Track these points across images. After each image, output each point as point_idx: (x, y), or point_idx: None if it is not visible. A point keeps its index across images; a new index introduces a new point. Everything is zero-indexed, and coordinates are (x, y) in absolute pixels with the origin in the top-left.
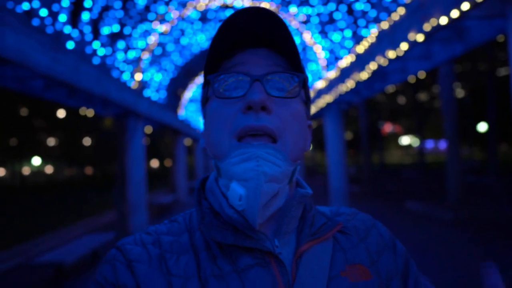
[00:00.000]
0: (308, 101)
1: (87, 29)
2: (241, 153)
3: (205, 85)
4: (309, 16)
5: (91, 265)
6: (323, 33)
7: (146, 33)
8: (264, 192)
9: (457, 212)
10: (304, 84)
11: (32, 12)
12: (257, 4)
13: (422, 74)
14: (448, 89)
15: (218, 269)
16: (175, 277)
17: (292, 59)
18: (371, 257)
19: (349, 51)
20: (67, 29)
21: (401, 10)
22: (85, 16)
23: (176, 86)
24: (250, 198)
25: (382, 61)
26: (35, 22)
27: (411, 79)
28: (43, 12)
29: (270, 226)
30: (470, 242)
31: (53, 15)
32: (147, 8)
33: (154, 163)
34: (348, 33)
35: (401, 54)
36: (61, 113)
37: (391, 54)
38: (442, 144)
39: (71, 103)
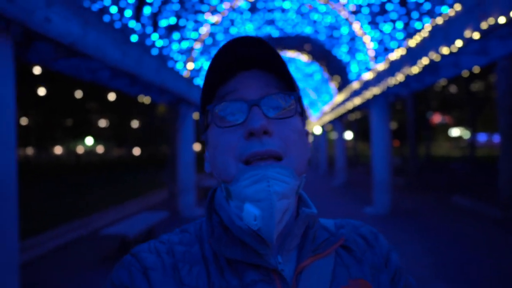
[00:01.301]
0: (303, 112)
1: (148, 23)
2: (251, 175)
3: (203, 113)
4: (359, 6)
5: (148, 240)
6: (373, 24)
7: (199, 24)
8: (277, 210)
9: (508, 211)
10: (298, 99)
11: (104, 9)
12: None
13: (477, 69)
14: (505, 80)
15: (225, 282)
16: (187, 287)
17: (283, 77)
18: (372, 273)
19: (400, 43)
20: (132, 23)
21: (457, 6)
22: (147, 10)
23: None
24: (266, 217)
25: (435, 56)
26: (106, 18)
27: (465, 72)
28: (113, 9)
29: (275, 243)
30: None
31: (121, 11)
32: (201, 0)
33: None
34: (399, 24)
35: (455, 50)
36: (111, 96)
37: (445, 50)
38: (497, 138)
39: (132, 91)
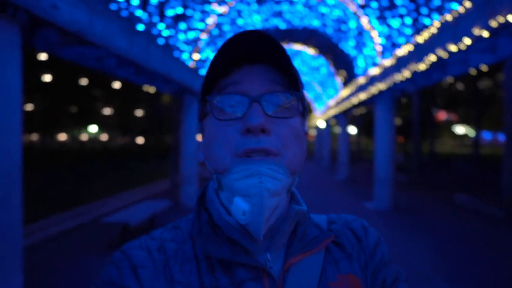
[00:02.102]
0: (304, 111)
1: (155, 12)
2: (244, 169)
3: (202, 101)
4: (368, 0)
5: (150, 228)
6: (382, 19)
7: (206, 14)
8: (267, 206)
9: (510, 210)
10: (300, 99)
11: None
12: None
13: (485, 67)
14: None
15: (216, 281)
16: (179, 284)
17: (288, 74)
18: (361, 268)
19: (408, 39)
20: (139, 12)
21: (467, 4)
22: None
23: None
24: (255, 213)
25: (442, 53)
26: (113, 7)
27: (473, 70)
28: None
29: (264, 240)
30: None
31: (127, 0)
32: None
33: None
34: (408, 20)
35: (463, 48)
36: (117, 84)
37: (453, 47)
38: (502, 137)
39: (138, 81)
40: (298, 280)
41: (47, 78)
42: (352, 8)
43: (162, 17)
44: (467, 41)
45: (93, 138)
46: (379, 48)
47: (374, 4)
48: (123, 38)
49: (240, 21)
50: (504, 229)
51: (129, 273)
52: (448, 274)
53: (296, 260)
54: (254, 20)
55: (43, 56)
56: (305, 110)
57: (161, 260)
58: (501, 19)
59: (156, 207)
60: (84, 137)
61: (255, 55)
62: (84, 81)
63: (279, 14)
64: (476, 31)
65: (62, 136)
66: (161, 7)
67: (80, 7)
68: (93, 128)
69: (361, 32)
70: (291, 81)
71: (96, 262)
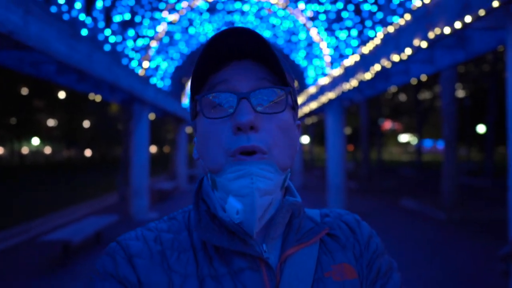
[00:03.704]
0: (295, 105)
1: (100, 17)
2: (236, 170)
3: (193, 100)
4: (316, 13)
5: (95, 245)
6: (330, 31)
7: (156, 22)
8: (259, 206)
9: (450, 212)
10: (290, 93)
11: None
12: None
13: (424, 77)
14: (449, 90)
15: (213, 270)
16: (176, 273)
17: (276, 70)
18: (356, 258)
19: (354, 50)
20: (82, 17)
21: (407, 16)
22: (99, 3)
23: (181, 74)
24: (247, 212)
25: (386, 63)
26: (53, 9)
27: (414, 80)
28: (61, 0)
29: (259, 231)
30: (459, 242)
31: (69, 2)
32: None
33: (153, 149)
34: (354, 32)
35: (405, 58)
36: (61, 94)
37: (395, 57)
38: (441, 144)
39: (80, 88)
40: (295, 271)
41: None
42: (302, 20)
43: (109, 22)
44: (408, 51)
45: (35, 151)
46: (328, 59)
47: (322, 17)
48: (62, 43)
49: (191, 30)
50: (446, 230)
51: (125, 263)
52: None
53: (292, 251)
54: (206, 29)
55: None
56: (295, 103)
57: (157, 250)
58: (437, 31)
59: (101, 222)
60: (25, 150)
61: (243, 51)
62: (24, 91)
63: (231, 24)
64: (416, 42)
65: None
66: (107, 12)
67: (11, 7)
68: (35, 141)
69: (311, 43)
70: (279, 76)
71: (34, 286)
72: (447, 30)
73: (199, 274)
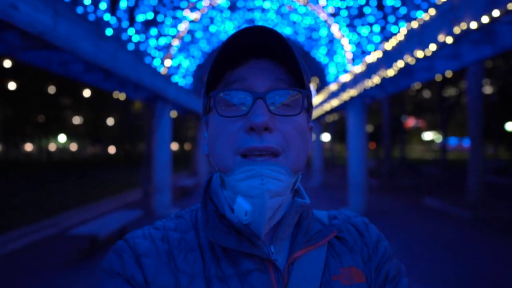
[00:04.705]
0: (310, 107)
1: (124, 16)
2: (246, 170)
3: (207, 95)
4: (338, 9)
5: (120, 239)
6: (351, 27)
7: (177, 21)
8: (269, 207)
9: (475, 211)
10: (306, 96)
11: (77, 1)
12: None
13: (449, 73)
14: (476, 86)
15: (220, 271)
16: (183, 273)
17: (294, 71)
18: (364, 261)
19: (377, 46)
20: (107, 17)
21: (432, 11)
22: (123, 3)
23: (202, 72)
24: (256, 214)
25: (410, 59)
26: (79, 10)
27: (438, 77)
28: (87, 1)
29: (268, 232)
30: (483, 241)
31: (95, 3)
32: None
33: (174, 146)
34: (376, 28)
35: (429, 54)
36: (86, 93)
37: (419, 53)
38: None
39: (106, 87)
40: (303, 273)
41: (12, 86)
42: (323, 16)
43: (132, 22)
44: (433, 47)
45: (62, 148)
46: (349, 56)
47: (344, 13)
48: (90, 42)
49: (212, 28)
50: (471, 229)
51: (132, 261)
52: (419, 274)
53: (301, 253)
54: (226, 27)
55: (7, 63)
56: (310, 106)
57: (164, 249)
58: (463, 26)
59: (126, 218)
60: (52, 147)
61: (262, 49)
62: (51, 89)
63: (251, 22)
64: (441, 38)
65: (29, 146)
66: (131, 12)
67: (41, 8)
68: (61, 138)
69: (332, 40)
70: (297, 77)
71: (62, 278)
72: (473, 25)
73: (206, 274)
